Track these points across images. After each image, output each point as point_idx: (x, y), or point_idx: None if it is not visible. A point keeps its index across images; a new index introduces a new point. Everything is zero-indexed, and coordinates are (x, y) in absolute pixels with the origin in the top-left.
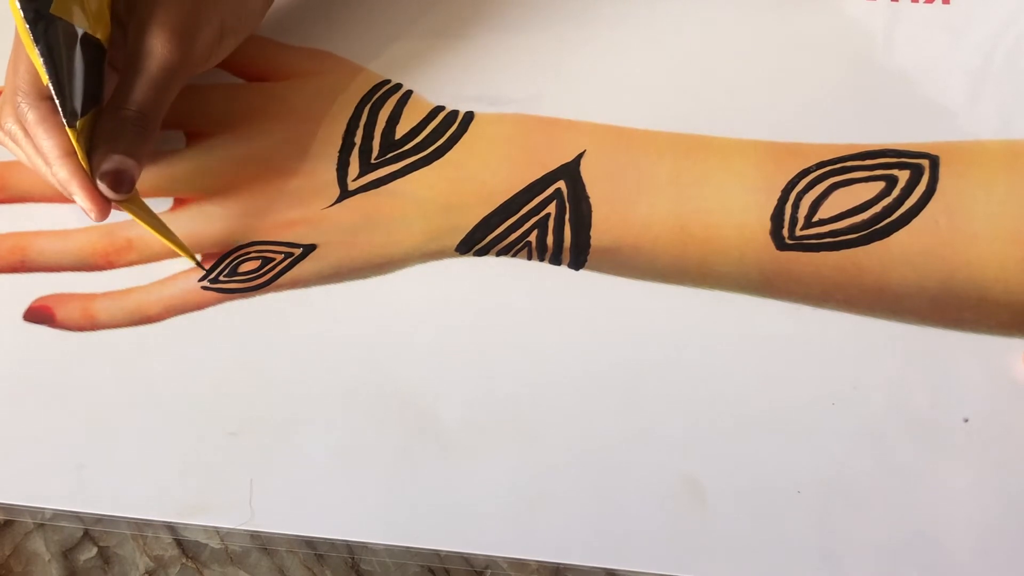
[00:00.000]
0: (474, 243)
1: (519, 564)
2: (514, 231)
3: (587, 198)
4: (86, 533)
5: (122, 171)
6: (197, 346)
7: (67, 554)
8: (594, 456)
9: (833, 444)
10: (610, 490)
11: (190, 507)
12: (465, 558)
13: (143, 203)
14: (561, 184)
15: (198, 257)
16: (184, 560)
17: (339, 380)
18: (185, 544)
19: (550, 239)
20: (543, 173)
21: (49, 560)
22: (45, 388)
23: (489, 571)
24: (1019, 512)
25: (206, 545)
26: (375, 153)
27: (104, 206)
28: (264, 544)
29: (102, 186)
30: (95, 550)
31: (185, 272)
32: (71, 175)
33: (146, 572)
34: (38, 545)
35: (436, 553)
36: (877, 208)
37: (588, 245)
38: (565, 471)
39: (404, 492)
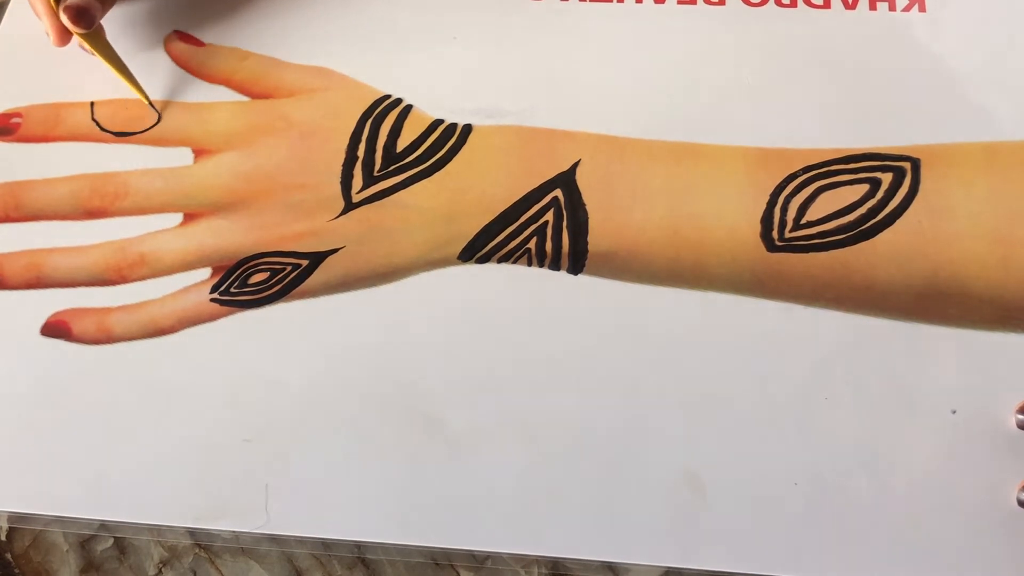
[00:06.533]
0: (476, 251)
1: (519, 554)
2: (514, 238)
3: (583, 205)
4: (102, 524)
5: (83, 7)
6: (210, 357)
7: (84, 544)
8: (596, 454)
9: (827, 437)
10: (613, 486)
11: (208, 512)
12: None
13: (107, 42)
14: (558, 192)
15: (152, 101)
16: (197, 550)
17: (348, 387)
18: (198, 535)
19: (549, 246)
20: (540, 182)
21: (67, 550)
22: (63, 400)
23: (490, 561)
24: (1004, 497)
25: (218, 535)
26: (378, 166)
27: (63, 34)
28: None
29: (64, 17)
30: (111, 540)
31: (196, 285)
32: (40, 2)
33: (160, 562)
34: (56, 536)
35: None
36: (862, 210)
37: (586, 251)
38: (568, 469)
39: (414, 493)
